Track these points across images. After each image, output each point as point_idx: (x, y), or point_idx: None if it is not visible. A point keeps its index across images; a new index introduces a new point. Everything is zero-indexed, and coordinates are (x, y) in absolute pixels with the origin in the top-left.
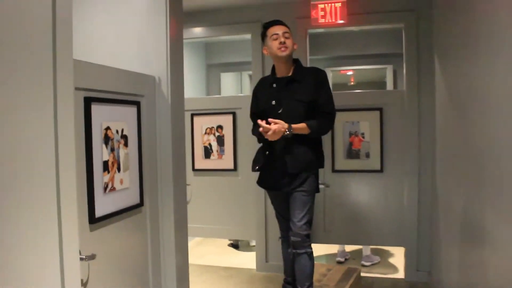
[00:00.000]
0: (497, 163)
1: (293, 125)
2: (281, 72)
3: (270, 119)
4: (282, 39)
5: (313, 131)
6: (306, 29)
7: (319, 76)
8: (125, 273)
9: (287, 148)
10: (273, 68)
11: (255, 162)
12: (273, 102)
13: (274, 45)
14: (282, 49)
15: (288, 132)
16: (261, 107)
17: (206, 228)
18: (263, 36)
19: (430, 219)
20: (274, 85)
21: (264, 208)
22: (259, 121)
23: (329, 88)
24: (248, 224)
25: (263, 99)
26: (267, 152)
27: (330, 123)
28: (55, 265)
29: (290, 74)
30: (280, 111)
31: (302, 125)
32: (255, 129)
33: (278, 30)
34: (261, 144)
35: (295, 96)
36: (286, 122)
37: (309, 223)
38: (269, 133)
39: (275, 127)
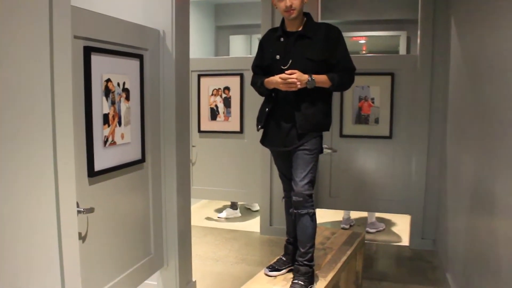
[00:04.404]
0: (510, 132)
1: (314, 76)
2: (291, 27)
3: (287, 71)
4: (288, 3)
5: (334, 84)
6: None
7: (333, 33)
8: (125, 229)
9: (297, 106)
10: (283, 21)
11: (258, 119)
12: (277, 57)
13: (280, 7)
14: (289, 13)
15: (310, 80)
16: (265, 60)
17: (210, 190)
18: None
19: (438, 187)
20: (282, 39)
21: (269, 172)
22: (284, 74)
23: (345, 44)
24: (253, 187)
25: (268, 52)
26: (267, 109)
27: (351, 79)
28: (51, 216)
29: (300, 29)
30: (285, 67)
31: (323, 76)
32: (257, 81)
33: None
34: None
35: (306, 53)
36: None
37: (312, 183)
38: (290, 80)
39: (296, 75)
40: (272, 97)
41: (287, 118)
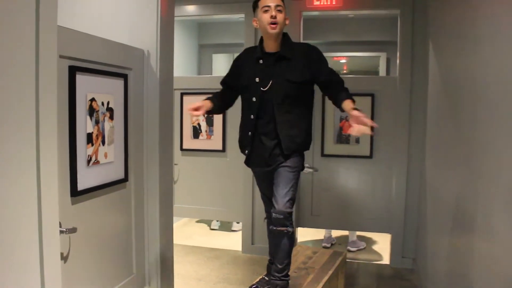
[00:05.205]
0: (489, 151)
1: (345, 105)
2: (270, 47)
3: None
4: (274, 13)
5: (351, 97)
6: (301, 11)
7: (313, 53)
8: (107, 249)
9: (281, 127)
10: (261, 41)
11: (242, 143)
12: (257, 80)
13: (264, 18)
14: (273, 26)
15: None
16: (243, 82)
17: (192, 208)
18: (255, 7)
19: (418, 206)
20: (261, 61)
21: (251, 190)
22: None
23: (327, 62)
24: (235, 206)
25: (246, 74)
26: (250, 133)
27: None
28: (33, 236)
29: (279, 49)
30: (265, 89)
31: (348, 102)
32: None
33: (270, 2)
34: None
35: (286, 75)
36: (270, 101)
37: (292, 200)
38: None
39: (367, 122)
40: (252, 120)
41: (270, 138)
